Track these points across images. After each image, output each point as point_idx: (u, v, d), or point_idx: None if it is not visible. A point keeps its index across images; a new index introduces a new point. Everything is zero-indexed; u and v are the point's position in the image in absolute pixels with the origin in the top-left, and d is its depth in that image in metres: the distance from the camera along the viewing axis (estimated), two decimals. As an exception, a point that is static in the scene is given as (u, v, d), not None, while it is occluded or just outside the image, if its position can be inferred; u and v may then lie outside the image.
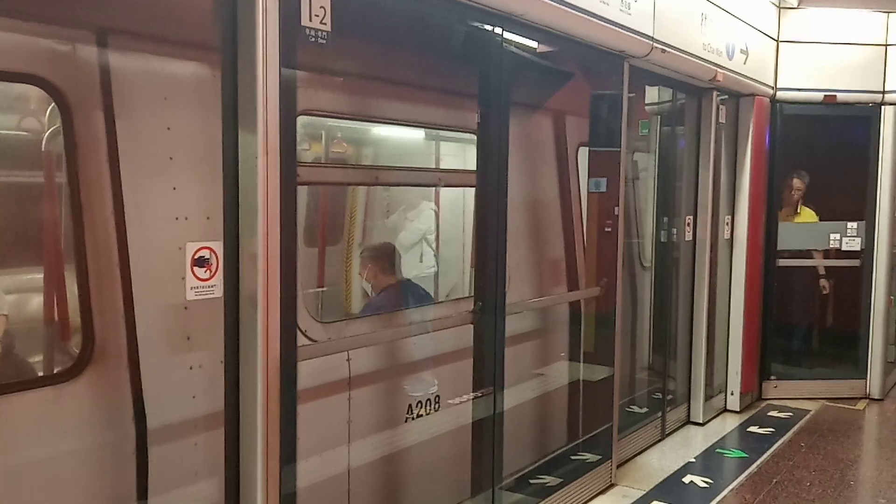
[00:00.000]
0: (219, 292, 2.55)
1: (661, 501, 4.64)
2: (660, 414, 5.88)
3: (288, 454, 2.65)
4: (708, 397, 6.31)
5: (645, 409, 6.03)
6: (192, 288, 2.51)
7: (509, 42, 3.87)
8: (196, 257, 2.51)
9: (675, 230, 6.16)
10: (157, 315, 2.81)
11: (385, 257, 4.57)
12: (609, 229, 4.93)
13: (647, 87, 6.18)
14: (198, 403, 2.91)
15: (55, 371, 2.93)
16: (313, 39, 2.69)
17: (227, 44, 2.55)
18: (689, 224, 6.07)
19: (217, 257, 2.55)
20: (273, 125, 2.53)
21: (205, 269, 2.53)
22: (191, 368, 2.92)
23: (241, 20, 2.53)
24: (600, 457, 4.83)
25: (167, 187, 2.89)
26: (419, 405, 4.04)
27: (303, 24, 2.65)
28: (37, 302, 3.07)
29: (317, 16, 2.69)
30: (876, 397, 6.96)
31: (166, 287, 2.74)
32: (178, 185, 2.92)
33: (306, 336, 3.33)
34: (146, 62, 2.88)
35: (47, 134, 2.94)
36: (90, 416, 2.62)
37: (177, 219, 2.89)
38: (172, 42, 2.92)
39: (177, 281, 2.58)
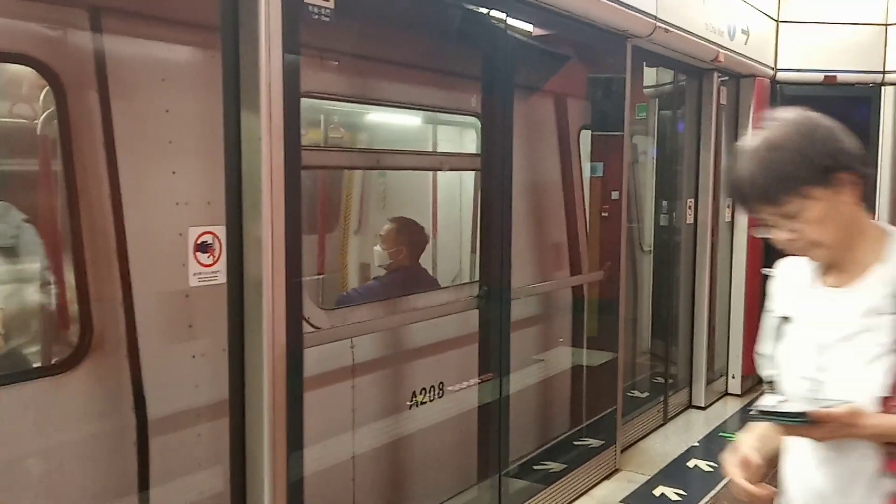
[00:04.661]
0: (222, 278, 2.48)
1: (666, 486, 4.62)
2: (662, 398, 5.85)
3: (295, 442, 2.59)
4: (709, 381, 6.28)
5: (646, 394, 6.00)
6: (194, 274, 2.44)
7: (513, 25, 3.80)
8: (199, 242, 2.44)
9: (675, 214, 6.11)
10: (158, 303, 2.74)
11: (419, 244, 4.52)
12: (611, 213, 4.87)
13: (646, 70, 6.10)
14: (201, 392, 2.85)
15: (52, 362, 2.86)
16: (317, 17, 2.61)
17: (228, 22, 2.47)
18: (690, 207, 6.02)
19: (220, 242, 2.48)
20: (277, 106, 2.46)
21: (208, 254, 2.46)
22: (193, 357, 2.86)
23: (243, -2, 2.45)
24: (604, 442, 4.80)
25: (166, 171, 2.82)
26: (423, 392, 3.99)
27: (306, 1, 2.57)
28: (33, 291, 2.99)
29: (320, -7, 2.61)
30: (876, 379, 6.95)
31: (167, 274, 2.68)
32: (177, 169, 2.84)
33: (310, 323, 3.27)
34: (143, 42, 2.80)
35: (42, 118, 2.86)
36: (89, 407, 2.56)
37: (177, 204, 2.82)
38: (171, 21, 2.84)
39: (178, 268, 2.50)
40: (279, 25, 2.43)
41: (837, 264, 1.72)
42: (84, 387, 2.55)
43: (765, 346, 1.88)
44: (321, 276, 5.60)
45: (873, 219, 1.73)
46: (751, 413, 1.64)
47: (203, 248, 2.45)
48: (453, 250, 6.52)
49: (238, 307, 2.50)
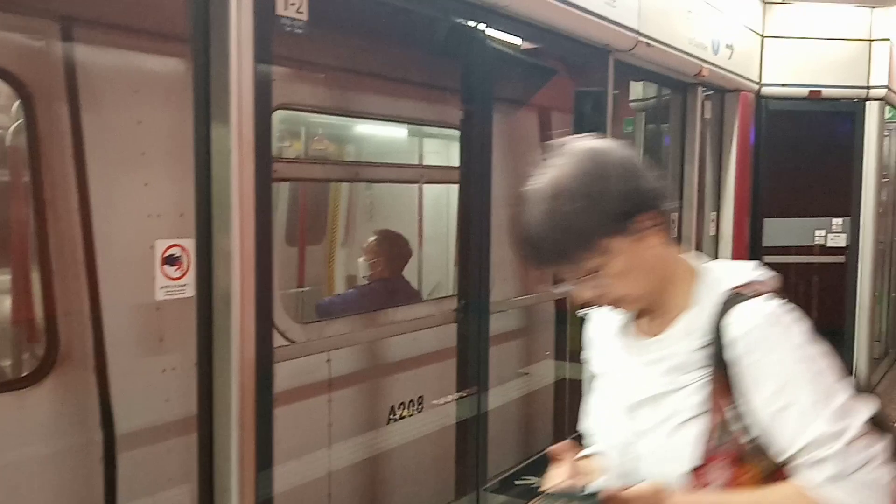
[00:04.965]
0: (190, 291, 2.44)
1: (648, 501, 4.57)
2: (646, 413, 5.80)
3: (264, 459, 2.55)
4: (694, 395, 6.24)
5: (631, 408, 5.95)
6: (161, 287, 2.41)
7: (493, 37, 3.79)
8: (166, 255, 2.41)
9: (660, 227, 6.09)
10: (127, 316, 2.71)
11: (402, 256, 4.53)
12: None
13: (632, 84, 6.11)
14: (171, 407, 2.81)
15: (16, 376, 2.82)
16: (289, 29, 2.60)
17: (199, 34, 2.45)
18: (674, 221, 6.01)
19: (188, 255, 2.45)
20: (247, 118, 2.43)
21: (176, 267, 2.43)
22: (163, 371, 2.83)
23: (214, 9, 2.43)
24: (587, 457, 4.75)
25: (139, 183, 2.80)
26: (402, 406, 3.96)
27: (278, 12, 2.56)
28: None
29: (293, 4, 2.60)
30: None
31: (137, 287, 2.64)
32: (150, 181, 2.82)
33: (284, 337, 3.24)
34: (116, 54, 2.78)
35: (12, 129, 2.83)
36: (54, 423, 2.52)
37: (149, 216, 2.79)
38: (145, 33, 2.82)
39: (148, 281, 2.47)
40: (250, 37, 2.41)
41: (649, 310, 1.46)
42: (49, 401, 2.51)
43: (587, 403, 1.61)
44: (302, 289, 5.56)
45: (686, 254, 1.49)
46: (539, 490, 1.47)
47: (170, 260, 2.42)
48: (440, 263, 6.50)
49: (207, 321, 2.47)
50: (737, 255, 6.49)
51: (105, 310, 2.62)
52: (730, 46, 5.90)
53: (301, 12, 2.61)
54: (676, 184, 6.05)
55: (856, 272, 6.92)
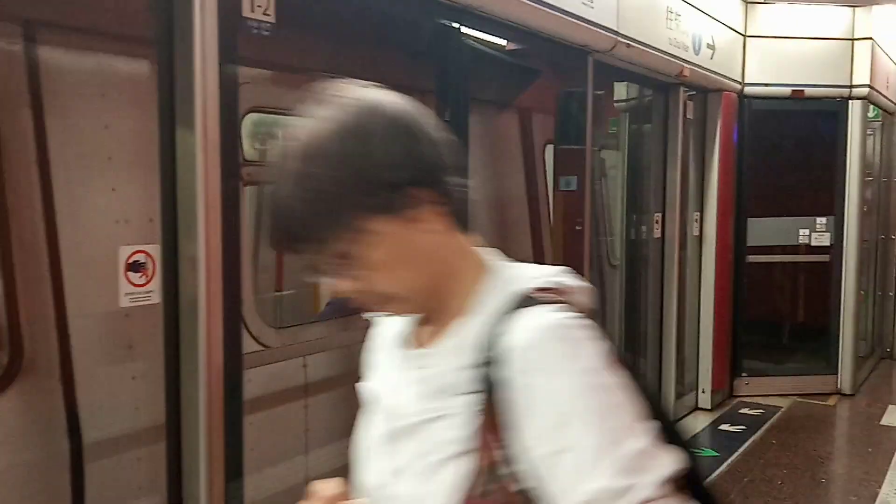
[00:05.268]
0: (156, 298, 2.41)
1: None
2: (631, 414, 5.78)
3: (234, 469, 2.51)
4: (679, 395, 6.25)
5: (616, 410, 5.93)
6: (126, 294, 2.37)
7: (470, 37, 3.76)
8: (130, 262, 2.37)
9: (644, 228, 6.09)
10: (95, 323, 2.67)
11: None
12: (578, 227, 4.84)
13: (616, 85, 6.10)
14: (141, 415, 2.78)
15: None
16: (256, 31, 2.56)
17: (164, 37, 2.42)
18: (657, 221, 6.00)
19: (153, 261, 2.41)
20: (213, 122, 2.40)
21: (140, 273, 2.39)
22: (133, 378, 2.79)
23: (178, 11, 2.40)
24: (570, 459, 4.73)
25: (105, 189, 2.76)
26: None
27: (244, 14, 2.52)
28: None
29: (259, 6, 2.57)
30: (847, 392, 6.94)
31: (104, 294, 2.60)
32: (117, 186, 2.79)
33: (259, 342, 3.20)
34: (81, 57, 2.75)
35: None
36: (18, 433, 2.47)
37: (117, 222, 2.76)
38: (112, 36, 2.79)
39: (115, 287, 2.44)
40: (214, 40, 2.38)
41: (428, 316, 1.15)
42: (13, 412, 2.47)
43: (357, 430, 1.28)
44: (280, 293, 5.51)
45: (480, 248, 1.17)
46: None
47: (135, 267, 2.38)
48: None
49: (174, 328, 2.43)
50: (721, 255, 6.49)
51: (71, 317, 2.58)
52: (711, 46, 5.89)
53: (268, 14, 2.58)
54: (658, 185, 6.05)
55: (841, 271, 6.92)
